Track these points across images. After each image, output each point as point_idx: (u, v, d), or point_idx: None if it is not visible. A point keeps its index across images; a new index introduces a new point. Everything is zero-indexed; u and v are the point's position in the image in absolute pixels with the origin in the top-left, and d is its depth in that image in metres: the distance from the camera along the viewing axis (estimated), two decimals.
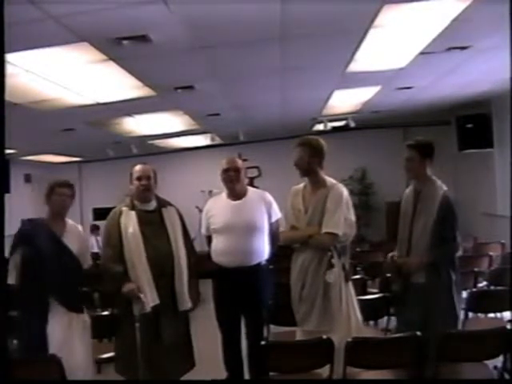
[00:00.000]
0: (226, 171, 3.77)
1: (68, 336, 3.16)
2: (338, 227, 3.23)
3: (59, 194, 3.26)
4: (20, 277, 3.12)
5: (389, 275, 4.49)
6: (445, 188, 3.39)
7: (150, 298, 3.27)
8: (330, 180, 3.40)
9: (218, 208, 3.87)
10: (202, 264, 3.78)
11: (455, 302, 3.30)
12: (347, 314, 3.23)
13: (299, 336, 3.36)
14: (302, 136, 3.50)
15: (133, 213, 3.40)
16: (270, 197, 3.88)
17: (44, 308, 3.12)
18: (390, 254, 3.59)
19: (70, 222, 3.40)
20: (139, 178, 3.42)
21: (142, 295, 3.24)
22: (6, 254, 2.85)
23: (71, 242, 3.28)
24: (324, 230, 3.23)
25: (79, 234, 3.41)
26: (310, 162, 3.35)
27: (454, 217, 3.33)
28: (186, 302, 3.42)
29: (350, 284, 3.33)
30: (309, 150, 3.34)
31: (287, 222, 3.47)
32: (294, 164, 3.41)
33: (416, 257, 3.35)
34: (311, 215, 3.31)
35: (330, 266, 3.22)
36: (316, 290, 3.24)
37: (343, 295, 3.23)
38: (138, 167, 3.48)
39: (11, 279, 3.15)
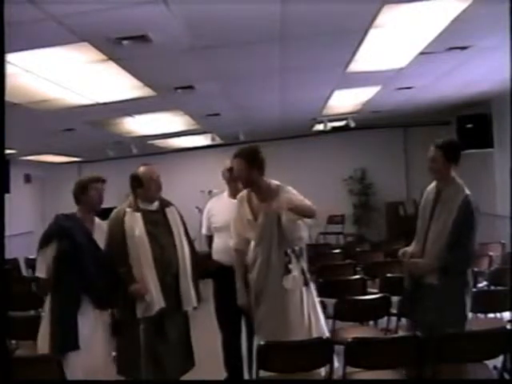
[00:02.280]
0: (231, 170, 3.77)
1: (93, 333, 3.15)
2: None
3: (96, 189, 3.29)
4: (54, 270, 3.11)
5: (389, 275, 4.50)
6: (467, 191, 3.23)
7: (156, 301, 3.26)
8: (274, 184, 3.29)
9: (220, 207, 3.88)
10: (202, 264, 3.78)
11: (465, 304, 3.20)
12: (308, 318, 3.12)
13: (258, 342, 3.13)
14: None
15: (138, 214, 3.39)
16: None
17: (76, 303, 3.11)
18: (402, 251, 3.46)
19: (97, 219, 3.42)
20: (153, 179, 3.42)
21: (147, 296, 3.23)
22: (11, 253, 2.84)
23: (100, 239, 3.30)
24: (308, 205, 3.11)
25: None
26: (249, 173, 3.22)
27: (472, 221, 3.16)
28: (191, 301, 3.42)
29: (312, 286, 3.23)
30: (245, 161, 3.22)
31: (234, 230, 3.37)
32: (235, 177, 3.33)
33: (428, 259, 3.24)
34: (264, 224, 3.17)
35: (287, 271, 3.12)
36: (274, 296, 3.13)
37: (304, 300, 3.13)
38: (145, 169, 3.44)
39: (40, 273, 3.16)
